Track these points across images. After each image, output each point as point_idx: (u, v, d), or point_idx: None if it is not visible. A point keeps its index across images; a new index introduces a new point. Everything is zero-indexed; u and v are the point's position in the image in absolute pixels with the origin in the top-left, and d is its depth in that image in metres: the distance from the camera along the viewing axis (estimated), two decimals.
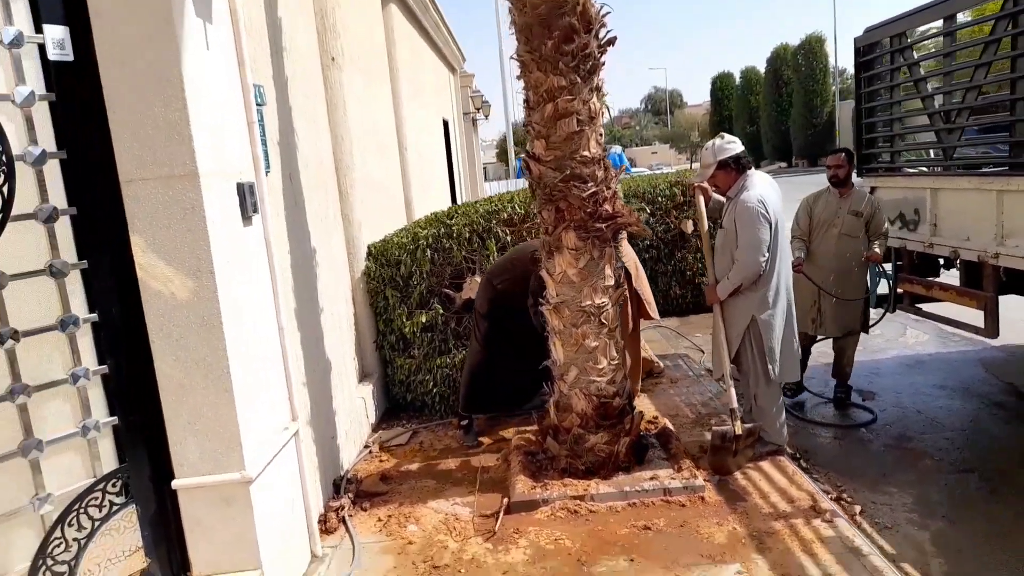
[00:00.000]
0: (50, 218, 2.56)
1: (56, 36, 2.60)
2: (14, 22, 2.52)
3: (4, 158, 2.43)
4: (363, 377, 5.28)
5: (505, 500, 3.78)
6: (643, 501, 3.71)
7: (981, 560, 3.37)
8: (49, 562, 2.56)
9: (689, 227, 7.05)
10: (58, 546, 2.58)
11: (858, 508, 3.83)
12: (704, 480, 3.86)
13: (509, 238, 5.30)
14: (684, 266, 8.02)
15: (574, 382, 3.94)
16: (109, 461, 2.82)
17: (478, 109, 16.93)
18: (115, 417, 2.76)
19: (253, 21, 3.66)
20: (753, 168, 4.25)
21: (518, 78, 4.05)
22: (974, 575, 3.27)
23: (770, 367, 4.08)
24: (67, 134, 2.68)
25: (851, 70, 35.94)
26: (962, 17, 5.45)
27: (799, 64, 35.92)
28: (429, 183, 9.47)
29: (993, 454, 4.44)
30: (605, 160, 3.94)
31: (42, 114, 2.67)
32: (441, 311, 5.20)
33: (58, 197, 2.66)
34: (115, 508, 2.73)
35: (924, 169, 5.83)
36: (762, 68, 38.59)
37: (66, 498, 2.65)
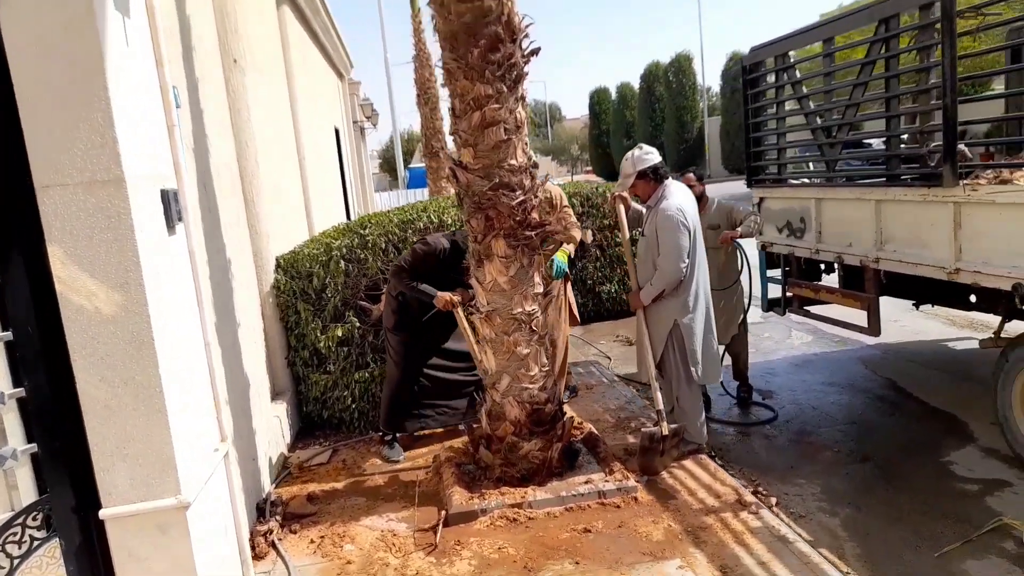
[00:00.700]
0: None
1: None
2: None
3: None
4: (275, 395, 5.05)
5: (443, 513, 3.73)
6: (579, 505, 3.77)
7: (887, 541, 3.64)
8: None
9: (588, 236, 7.24)
10: None
11: (774, 500, 4.05)
12: (635, 481, 3.96)
13: None
14: (585, 275, 8.21)
15: (507, 390, 3.95)
16: (28, 492, 2.56)
17: (368, 118, 16.68)
18: (34, 444, 2.50)
19: (165, 18, 3.45)
20: (670, 179, 4.43)
21: (443, 86, 4.03)
22: (883, 555, 3.52)
23: (693, 369, 4.25)
24: None
25: (716, 88, 38.33)
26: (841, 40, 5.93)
27: (670, 81, 37.76)
28: (326, 194, 9.23)
29: (882, 443, 4.82)
30: (532, 169, 3.99)
31: None
32: (357, 324, 5.07)
33: None
34: (36, 543, 2.48)
35: (807, 180, 6.28)
36: (636, 84, 40.30)
37: None
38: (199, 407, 2.97)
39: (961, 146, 4.44)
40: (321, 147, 9.46)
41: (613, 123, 42.60)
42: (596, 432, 4.59)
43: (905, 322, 7.24)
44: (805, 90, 6.26)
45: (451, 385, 4.75)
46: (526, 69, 3.94)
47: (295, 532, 3.75)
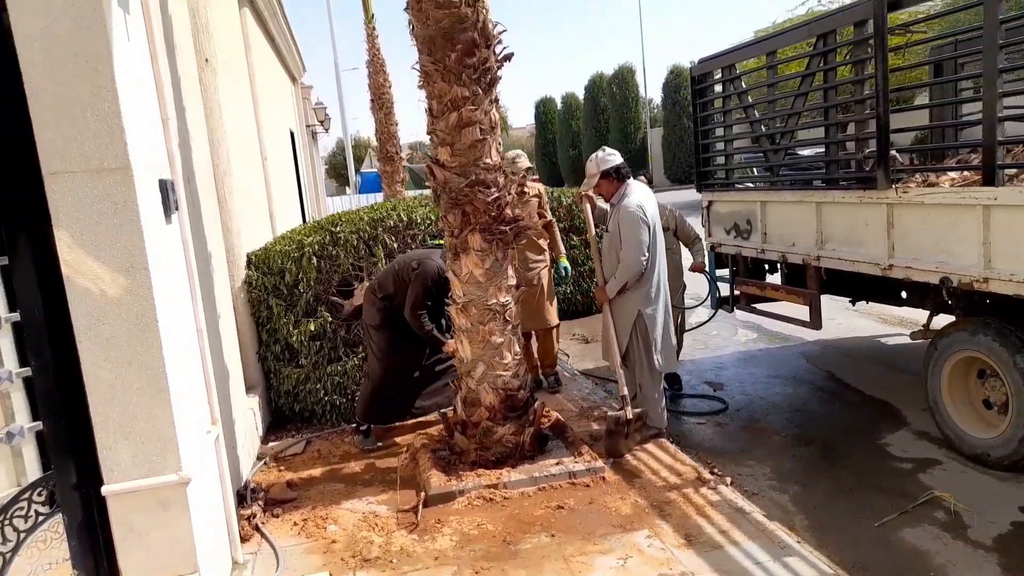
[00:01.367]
0: None
1: None
2: None
3: None
4: (248, 389, 5.12)
5: (422, 494, 3.89)
6: (552, 485, 3.98)
7: (832, 514, 3.94)
8: None
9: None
10: None
11: (728, 479, 4.33)
12: (602, 463, 4.20)
13: (396, 245, 5.41)
14: None
15: (481, 377, 4.14)
16: (33, 469, 2.63)
17: (321, 122, 16.65)
18: (39, 422, 2.59)
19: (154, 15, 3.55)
20: (632, 179, 4.71)
21: (420, 87, 4.21)
22: (829, 525, 3.82)
23: (656, 357, 4.53)
24: None
25: (658, 100, 39.21)
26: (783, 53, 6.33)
27: (614, 92, 38.49)
28: (285, 195, 9.27)
29: (825, 428, 5.16)
30: (504, 168, 4.21)
31: None
32: (330, 319, 5.19)
33: None
34: (41, 518, 2.56)
35: (751, 185, 6.66)
36: (581, 94, 40.93)
37: None
38: (194, 390, 3.09)
39: (893, 152, 4.83)
40: (279, 149, 9.50)
41: (559, 132, 43.14)
42: (563, 419, 4.81)
43: (841, 320, 7.70)
44: (750, 100, 6.64)
45: (427, 376, 4.89)
46: (499, 73, 4.16)
47: (277, 516, 3.86)
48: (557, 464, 4.11)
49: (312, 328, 5.14)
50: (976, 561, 3.32)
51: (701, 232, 6.25)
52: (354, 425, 4.93)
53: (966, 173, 4.43)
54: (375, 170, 23.55)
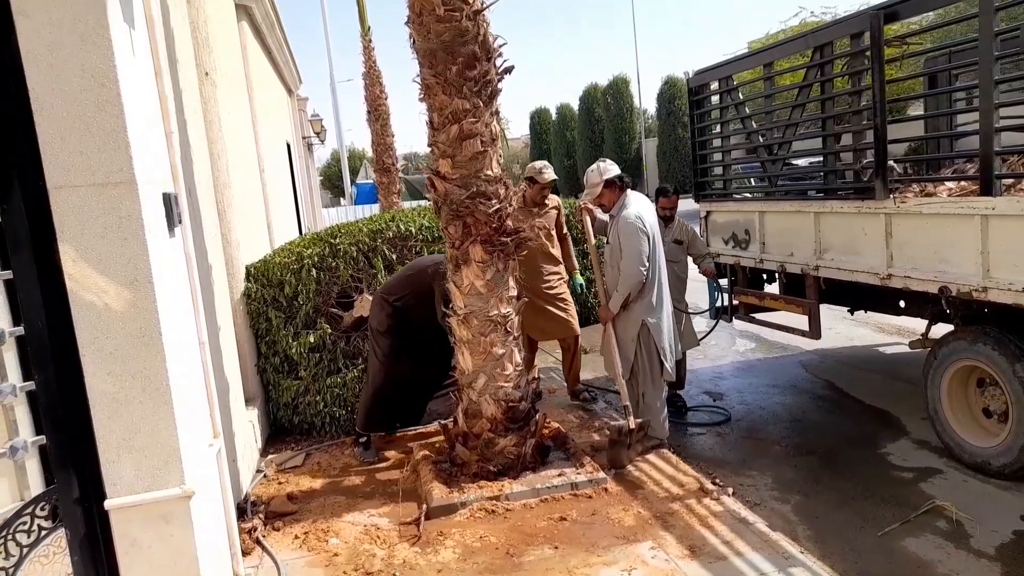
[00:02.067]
0: None
1: None
2: None
3: None
4: (247, 401, 5.11)
5: (424, 506, 3.88)
6: (554, 496, 3.98)
7: (835, 523, 3.94)
8: None
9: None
10: None
11: (731, 490, 4.33)
12: (604, 474, 4.20)
13: (394, 256, 5.41)
14: None
15: (483, 389, 4.14)
16: (36, 483, 2.62)
17: (317, 133, 16.68)
18: (42, 436, 2.58)
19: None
20: (630, 189, 4.74)
21: (420, 100, 4.23)
22: (832, 535, 3.82)
23: (665, 364, 4.54)
24: None
25: (653, 110, 39.41)
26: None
27: (608, 103, 38.64)
28: (282, 207, 9.27)
29: (826, 437, 5.18)
30: (506, 179, 4.22)
31: None
32: (329, 331, 5.18)
33: None
34: (44, 533, 2.54)
35: (748, 195, 6.69)
36: (576, 105, 41.07)
37: None
38: (196, 403, 3.08)
39: (890, 162, 4.87)
40: (276, 161, 9.51)
41: (554, 143, 43.26)
42: (564, 430, 4.81)
43: (839, 329, 7.72)
44: (747, 110, 6.68)
45: (428, 386, 4.88)
46: (500, 86, 4.19)
47: (278, 529, 3.84)
48: (559, 475, 4.11)
49: (311, 340, 5.13)
50: (979, 571, 3.32)
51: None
52: (354, 437, 4.92)
53: (963, 183, 4.46)
54: (370, 181, 23.59)
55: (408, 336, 4.68)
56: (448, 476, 4.19)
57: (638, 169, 35.54)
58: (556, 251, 5.81)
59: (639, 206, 4.59)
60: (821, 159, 5.76)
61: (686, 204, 7.47)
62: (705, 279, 6.28)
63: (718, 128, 7.09)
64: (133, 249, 2.64)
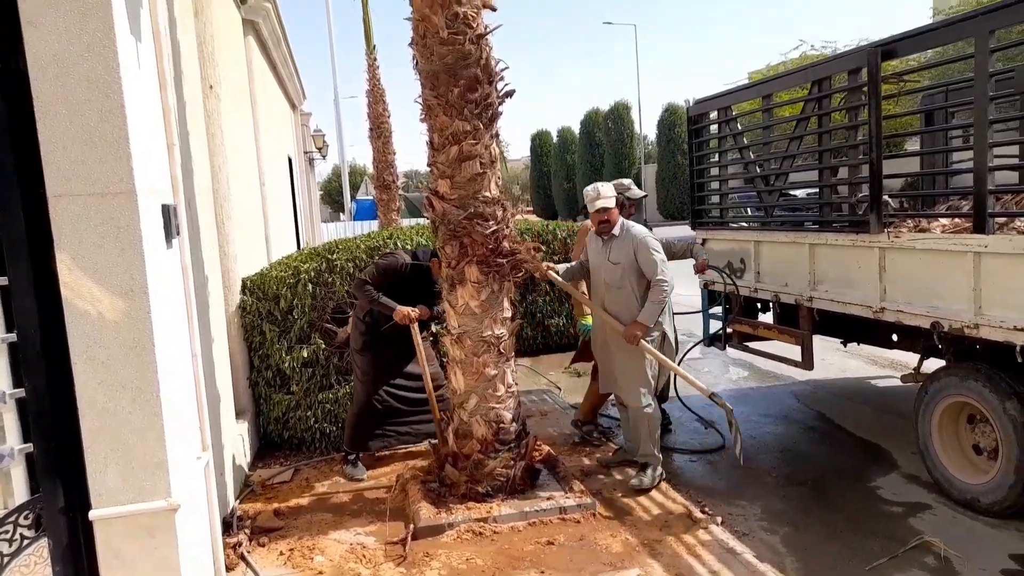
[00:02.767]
0: None
1: None
2: None
3: None
4: (237, 414, 5.09)
5: (411, 526, 3.86)
6: (542, 520, 3.96)
7: (824, 556, 3.92)
8: None
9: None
10: None
11: (719, 519, 4.31)
12: (593, 499, 4.18)
13: None
14: (535, 309, 8.47)
15: (474, 409, 4.14)
16: (21, 491, 2.61)
17: (319, 149, 16.76)
18: (30, 444, 2.57)
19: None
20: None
21: (422, 120, 4.27)
22: (820, 568, 3.80)
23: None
24: None
25: (653, 137, 39.75)
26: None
27: (609, 128, 38.94)
28: (281, 221, 9.30)
29: (815, 469, 5.16)
30: (503, 201, 4.25)
31: None
32: (323, 346, 5.18)
33: None
34: (27, 542, 2.53)
35: (744, 225, 6.73)
36: (576, 129, 41.37)
37: None
38: (187, 415, 3.07)
39: (885, 197, 4.91)
40: (277, 175, 9.55)
41: (554, 165, 43.52)
42: (554, 453, 4.80)
43: (832, 360, 7.73)
44: (745, 141, 6.74)
45: (415, 404, 4.89)
46: (500, 109, 4.23)
47: (263, 545, 3.82)
48: (548, 499, 4.09)
49: (305, 355, 5.13)
50: None
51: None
52: (343, 454, 4.90)
53: (957, 220, 4.50)
54: (370, 197, 23.64)
55: (383, 349, 4.73)
56: (436, 496, 4.17)
57: None
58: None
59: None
60: (817, 191, 5.80)
61: (682, 230, 7.51)
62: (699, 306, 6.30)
63: (716, 157, 7.15)
64: (130, 259, 2.65)
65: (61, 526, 2.63)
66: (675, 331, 4.87)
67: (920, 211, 5.29)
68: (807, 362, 5.73)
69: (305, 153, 14.82)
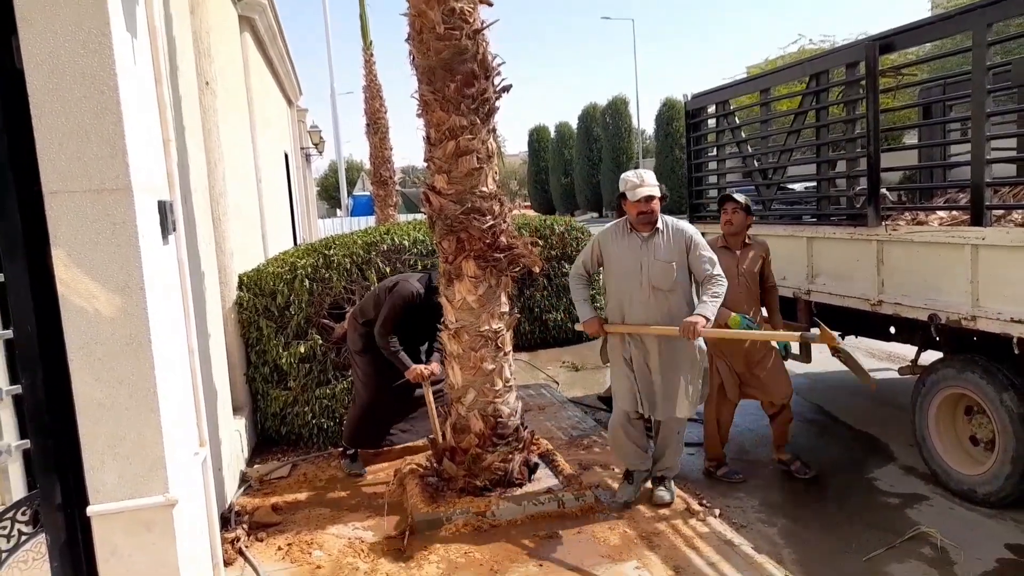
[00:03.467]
0: None
1: None
2: None
3: None
4: (235, 410, 5.10)
5: (409, 520, 3.87)
6: (540, 513, 3.97)
7: (821, 549, 3.94)
8: None
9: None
10: None
11: (717, 511, 4.33)
12: (591, 492, 4.19)
13: (388, 269, 5.42)
14: (532, 303, 8.48)
15: (472, 404, 4.14)
16: (18, 487, 2.61)
17: (315, 144, 16.73)
18: (26, 440, 2.57)
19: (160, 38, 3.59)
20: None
21: (418, 115, 4.26)
22: (817, 559, 3.82)
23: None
24: None
25: (651, 131, 39.71)
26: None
27: (607, 123, 38.92)
28: (278, 217, 9.29)
29: (813, 462, 5.17)
30: (500, 196, 4.24)
31: None
32: (320, 341, 5.18)
33: None
34: (24, 538, 2.53)
35: None
36: (574, 124, 41.35)
37: None
38: (184, 411, 3.07)
39: (883, 190, 4.91)
40: (273, 171, 9.54)
41: (552, 160, 43.52)
42: (552, 448, 4.80)
43: (830, 353, 7.73)
44: (743, 135, 6.74)
45: (415, 402, 4.88)
46: (497, 104, 4.22)
47: (261, 540, 3.82)
48: (546, 493, 4.10)
49: (302, 350, 5.13)
50: None
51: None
52: (340, 449, 4.90)
53: (955, 213, 4.51)
54: (367, 193, 23.62)
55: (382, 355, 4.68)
56: (435, 491, 4.17)
57: None
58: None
59: None
60: (815, 185, 5.81)
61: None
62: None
63: (714, 151, 7.15)
64: (126, 255, 2.64)
65: (59, 522, 2.62)
66: None
67: (918, 204, 5.28)
68: (805, 356, 5.74)
69: (301, 149, 14.79)
